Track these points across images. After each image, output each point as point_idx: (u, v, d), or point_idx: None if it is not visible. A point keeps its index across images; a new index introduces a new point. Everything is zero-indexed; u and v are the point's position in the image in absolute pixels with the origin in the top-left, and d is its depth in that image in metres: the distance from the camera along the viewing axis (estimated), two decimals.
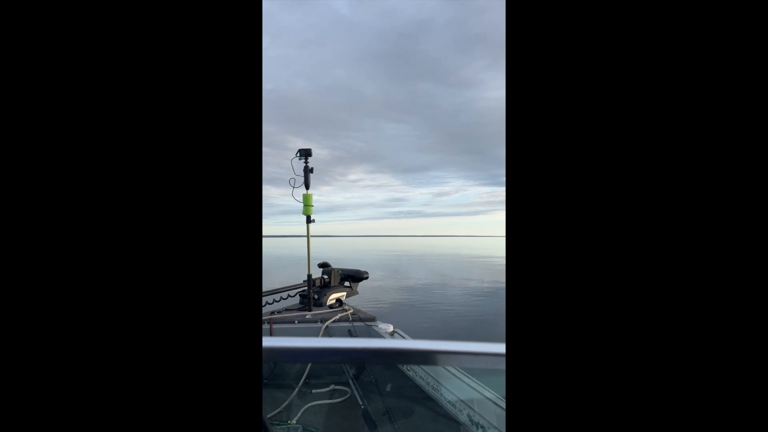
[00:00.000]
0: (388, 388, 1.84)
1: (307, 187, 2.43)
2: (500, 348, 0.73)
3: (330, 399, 1.82)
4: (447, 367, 1.52)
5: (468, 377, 1.40)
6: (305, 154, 2.41)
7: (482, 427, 1.24)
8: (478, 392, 1.30)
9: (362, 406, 1.68)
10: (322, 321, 2.24)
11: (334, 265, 2.86)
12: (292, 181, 2.40)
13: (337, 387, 1.91)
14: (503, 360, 0.73)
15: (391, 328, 2.22)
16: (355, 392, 1.81)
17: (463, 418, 1.37)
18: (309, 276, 2.55)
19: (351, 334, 2.26)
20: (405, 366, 1.88)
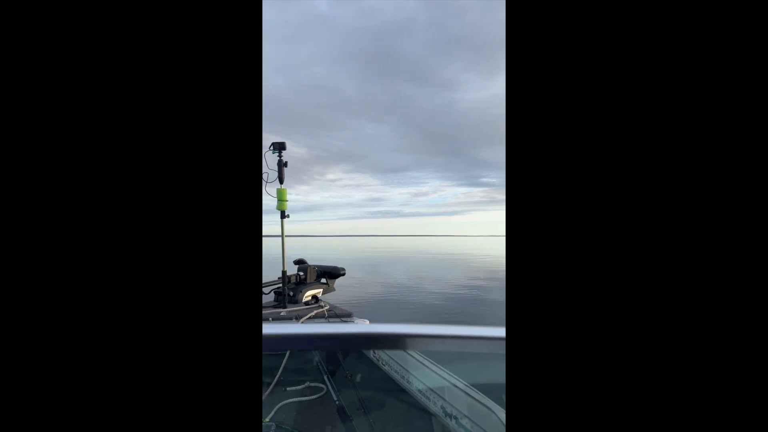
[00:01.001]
0: (358, 379, 1.83)
1: (281, 182, 2.39)
2: (476, 331, 0.73)
3: (305, 396, 1.79)
4: (418, 358, 1.52)
5: (438, 366, 1.41)
6: (279, 147, 2.36)
7: (454, 417, 1.24)
8: (449, 381, 1.31)
9: (337, 402, 1.66)
10: (297, 318, 2.20)
11: (310, 263, 2.82)
12: (265, 176, 2.34)
13: (312, 384, 1.88)
14: (478, 343, 0.74)
15: (367, 323, 2.21)
16: (330, 388, 1.78)
17: (435, 408, 1.37)
18: (284, 273, 2.51)
19: None
20: (380, 360, 1.87)
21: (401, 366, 1.70)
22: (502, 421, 1.06)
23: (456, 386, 1.27)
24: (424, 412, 1.41)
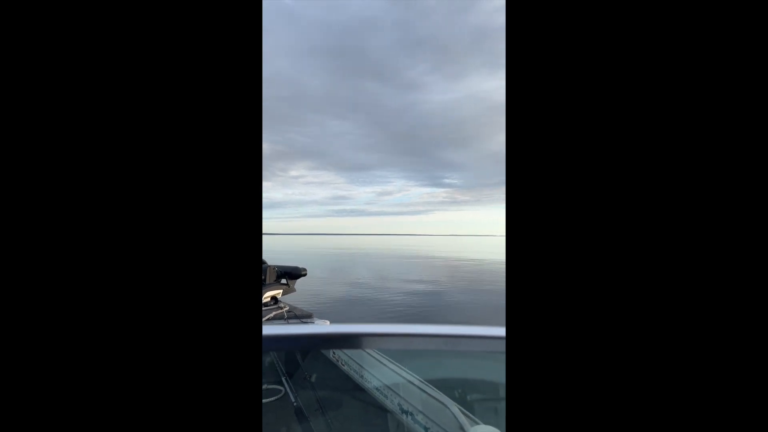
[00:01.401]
0: (315, 379, 1.83)
1: None
2: (431, 329, 0.76)
3: (262, 398, 1.76)
4: (375, 356, 1.55)
5: (395, 364, 1.44)
6: None
7: (410, 413, 1.27)
8: (404, 378, 1.34)
9: (294, 403, 1.65)
10: None
11: (270, 263, 2.77)
12: None
13: (270, 386, 1.85)
14: (433, 340, 0.77)
15: (327, 323, 2.20)
16: (288, 390, 1.77)
17: (391, 405, 1.40)
18: None
19: None
20: (339, 360, 1.88)
21: (359, 365, 1.72)
22: (455, 416, 1.10)
23: (411, 383, 1.30)
24: (381, 410, 1.44)
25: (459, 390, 1.18)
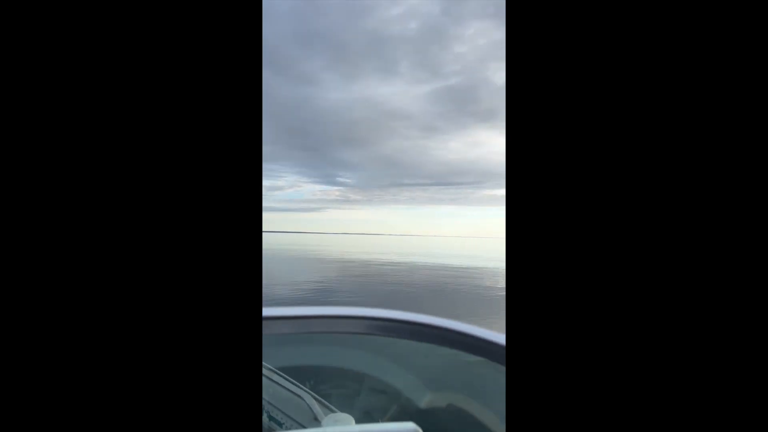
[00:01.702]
0: None
1: None
2: (276, 311, 0.74)
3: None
4: None
5: None
6: None
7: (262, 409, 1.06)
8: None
9: None
10: None
11: None
12: None
13: None
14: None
15: None
16: None
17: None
18: None
19: None
20: None
21: None
22: (309, 406, 0.98)
23: (263, 375, 1.09)
24: None
25: (312, 380, 1.08)
